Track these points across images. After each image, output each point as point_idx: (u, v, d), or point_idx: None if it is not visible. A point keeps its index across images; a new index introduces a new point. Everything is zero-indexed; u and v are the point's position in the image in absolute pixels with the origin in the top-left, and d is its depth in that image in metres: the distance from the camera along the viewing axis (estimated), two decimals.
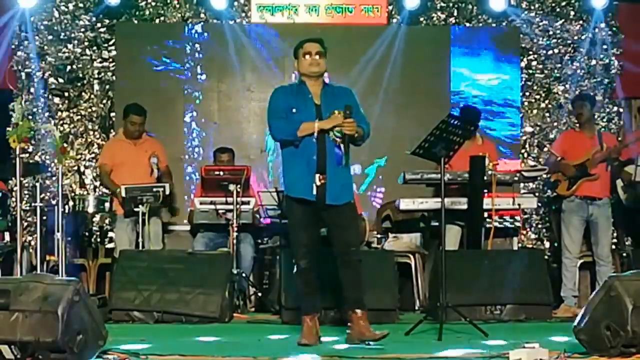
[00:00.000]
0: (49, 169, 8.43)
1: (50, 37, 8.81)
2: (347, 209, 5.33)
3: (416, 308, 7.51)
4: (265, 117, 8.78)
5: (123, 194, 7.36)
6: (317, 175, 5.21)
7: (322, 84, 5.42)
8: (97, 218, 8.52)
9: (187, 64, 8.94)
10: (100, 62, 8.91)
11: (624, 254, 8.09)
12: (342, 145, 5.21)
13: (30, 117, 8.61)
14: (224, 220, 7.51)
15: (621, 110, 9.07)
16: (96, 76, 8.90)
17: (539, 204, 8.28)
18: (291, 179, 5.34)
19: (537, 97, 9.08)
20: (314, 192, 5.21)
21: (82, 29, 8.86)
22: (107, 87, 8.91)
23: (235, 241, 7.33)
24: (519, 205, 7.39)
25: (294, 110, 5.30)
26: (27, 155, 8.36)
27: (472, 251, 7.24)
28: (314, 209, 5.27)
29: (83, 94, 8.88)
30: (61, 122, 8.79)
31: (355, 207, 5.55)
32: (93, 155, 8.76)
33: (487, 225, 7.24)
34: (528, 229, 8.90)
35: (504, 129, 9.00)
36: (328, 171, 5.22)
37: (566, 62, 9.05)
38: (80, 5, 8.86)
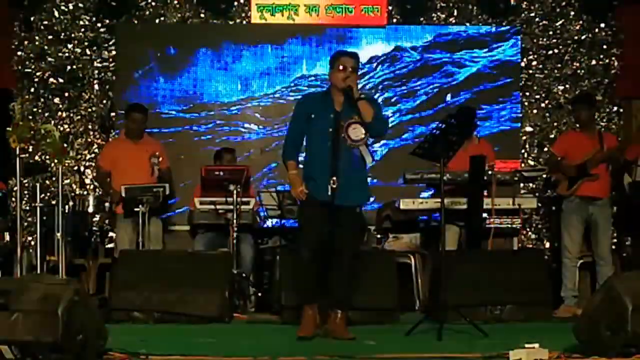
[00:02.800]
0: (49, 169, 8.43)
1: (50, 37, 8.81)
2: (354, 213, 5.62)
3: (416, 308, 7.50)
4: (265, 117, 8.94)
5: (123, 194, 7.37)
6: (333, 179, 5.47)
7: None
8: (97, 218, 8.52)
9: (187, 64, 8.94)
10: (100, 62, 8.91)
11: (624, 254, 8.09)
12: (361, 148, 5.51)
13: (30, 117, 8.62)
14: (224, 220, 7.51)
15: (621, 110, 9.06)
16: (96, 76, 8.90)
17: (539, 204, 8.27)
18: (307, 180, 5.60)
19: (537, 97, 9.07)
20: (329, 192, 5.48)
21: (82, 29, 8.86)
22: (107, 87, 8.91)
23: (235, 241, 7.34)
24: (519, 205, 7.39)
25: (312, 116, 5.59)
26: (27, 155, 8.35)
27: (472, 251, 7.25)
28: (325, 209, 5.51)
29: (83, 94, 8.88)
30: (61, 122, 8.79)
31: (363, 214, 5.88)
32: (93, 155, 8.75)
33: (487, 225, 7.26)
34: (528, 229, 8.89)
35: (504, 126, 9.01)
36: (341, 173, 5.48)
37: (566, 62, 9.05)
38: (80, 5, 8.86)
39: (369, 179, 5.86)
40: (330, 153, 5.49)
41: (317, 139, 5.58)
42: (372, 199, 6.32)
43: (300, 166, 5.77)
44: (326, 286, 5.73)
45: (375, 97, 8.51)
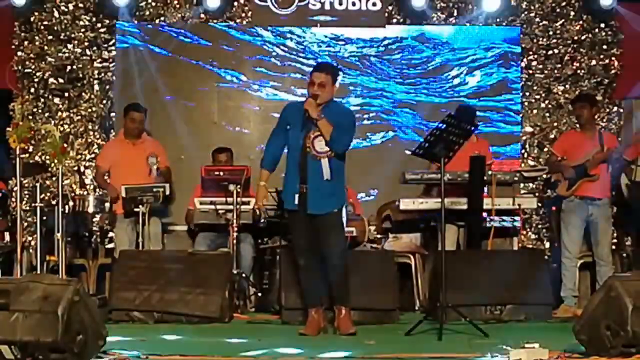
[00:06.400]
0: (49, 169, 8.43)
1: (50, 37, 8.81)
2: (329, 218, 5.89)
3: (416, 308, 7.50)
4: (265, 117, 8.95)
5: (123, 194, 7.38)
6: (302, 186, 5.84)
7: (325, 104, 5.91)
8: (97, 218, 8.52)
9: (187, 64, 8.95)
10: (100, 62, 8.91)
11: (624, 254, 8.09)
12: (322, 160, 5.82)
13: (30, 117, 8.62)
14: (224, 220, 7.51)
15: (621, 110, 9.06)
16: (96, 76, 8.89)
17: (539, 204, 8.28)
18: (284, 191, 6.06)
19: (537, 97, 9.07)
20: (296, 201, 5.86)
21: (82, 29, 8.86)
22: (107, 87, 8.91)
23: (235, 241, 7.34)
24: (519, 205, 7.39)
25: (288, 126, 5.96)
26: (27, 155, 8.36)
27: (472, 251, 7.25)
28: (301, 217, 5.89)
29: (83, 94, 8.88)
30: (61, 122, 8.79)
31: (340, 216, 6.04)
32: (93, 155, 8.75)
33: (487, 225, 7.26)
34: (528, 229, 8.89)
35: (504, 129, 9.00)
36: (309, 183, 5.83)
37: (566, 62, 9.04)
38: (80, 5, 8.85)
39: None
40: (298, 164, 5.85)
41: (290, 150, 5.95)
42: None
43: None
44: (327, 286, 5.98)
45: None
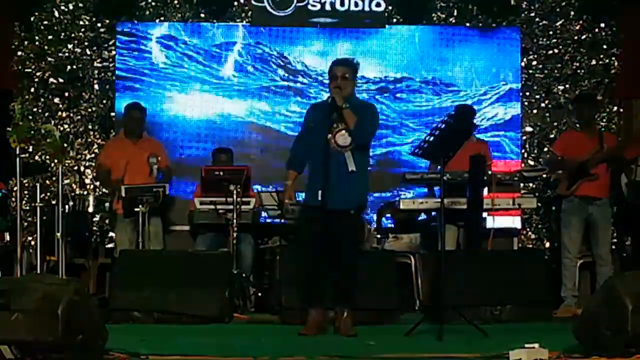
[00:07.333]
0: (49, 169, 8.43)
1: (50, 37, 8.81)
2: (346, 217, 5.82)
3: (416, 308, 7.50)
4: (266, 117, 8.96)
5: (123, 194, 7.38)
6: (325, 183, 5.71)
7: (347, 100, 5.85)
8: (97, 218, 8.52)
9: (187, 64, 8.95)
10: (100, 62, 8.91)
11: (624, 254, 8.09)
12: (346, 153, 5.76)
13: (30, 117, 8.62)
14: (224, 220, 7.52)
15: (621, 110, 9.06)
16: (96, 76, 8.90)
17: (539, 204, 8.28)
18: (308, 188, 5.95)
19: (537, 97, 9.07)
20: (319, 197, 5.71)
21: (82, 29, 8.86)
22: (107, 87, 8.91)
23: (235, 241, 7.34)
24: (519, 205, 7.39)
25: (311, 124, 5.95)
26: (27, 155, 8.35)
27: (472, 251, 7.25)
28: (320, 214, 5.74)
29: (83, 94, 8.88)
30: (61, 122, 8.79)
31: (357, 218, 6.05)
32: (93, 155, 8.75)
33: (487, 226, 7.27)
34: (528, 229, 8.89)
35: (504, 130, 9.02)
36: (330, 178, 5.69)
37: (566, 62, 9.04)
38: (80, 5, 8.85)
39: None
40: (322, 160, 5.74)
41: (314, 148, 5.86)
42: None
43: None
44: (330, 287, 5.92)
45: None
